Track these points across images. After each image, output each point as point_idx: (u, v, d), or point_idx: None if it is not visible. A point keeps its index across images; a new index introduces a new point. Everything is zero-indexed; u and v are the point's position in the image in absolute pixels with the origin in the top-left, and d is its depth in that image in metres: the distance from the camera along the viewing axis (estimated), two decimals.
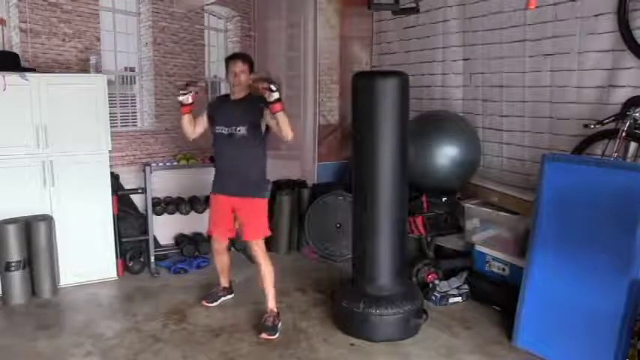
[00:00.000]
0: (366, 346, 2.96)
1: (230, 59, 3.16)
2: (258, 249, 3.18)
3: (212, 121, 3.20)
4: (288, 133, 2.91)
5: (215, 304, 3.49)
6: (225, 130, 3.10)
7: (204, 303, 3.49)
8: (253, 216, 3.18)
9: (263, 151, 3.18)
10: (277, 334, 3.07)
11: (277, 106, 2.82)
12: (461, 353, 2.89)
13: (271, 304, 3.18)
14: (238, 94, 3.13)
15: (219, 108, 3.22)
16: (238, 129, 3.06)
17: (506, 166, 3.94)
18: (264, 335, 3.04)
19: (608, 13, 3.16)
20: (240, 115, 3.08)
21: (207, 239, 4.15)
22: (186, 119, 3.15)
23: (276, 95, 2.79)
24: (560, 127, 3.52)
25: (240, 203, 3.15)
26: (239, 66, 3.08)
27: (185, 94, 3.04)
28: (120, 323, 3.26)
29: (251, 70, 3.13)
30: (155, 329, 3.17)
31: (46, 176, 3.68)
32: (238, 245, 4.38)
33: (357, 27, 5.12)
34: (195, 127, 3.21)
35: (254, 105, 3.06)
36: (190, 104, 3.10)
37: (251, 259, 3.79)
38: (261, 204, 3.19)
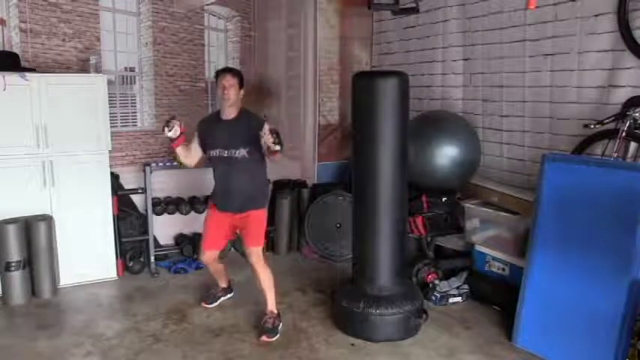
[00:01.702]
0: (366, 346, 2.96)
1: (219, 73, 3.05)
2: (258, 258, 3.12)
3: (205, 144, 3.10)
4: (277, 160, 2.96)
5: (214, 304, 3.50)
6: (224, 153, 3.01)
7: (204, 304, 3.49)
8: (255, 225, 3.14)
9: (264, 166, 3.15)
10: (277, 336, 3.07)
11: (277, 154, 2.84)
12: (461, 353, 2.89)
13: (271, 305, 3.17)
14: (229, 112, 3.03)
15: (211, 130, 3.11)
16: (238, 151, 2.98)
17: (507, 166, 3.94)
18: (264, 338, 3.03)
19: (608, 13, 3.17)
20: (239, 136, 2.98)
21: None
22: (180, 151, 3.07)
23: (278, 148, 2.77)
24: (560, 127, 3.52)
25: (244, 217, 3.12)
26: (228, 79, 2.98)
27: (171, 129, 2.92)
28: (120, 323, 3.26)
29: (241, 85, 3.03)
30: (155, 329, 3.17)
31: (46, 176, 3.68)
32: (238, 246, 4.38)
33: (357, 27, 5.12)
34: (192, 157, 3.14)
35: (252, 125, 2.95)
36: (179, 136, 2.98)
37: None
38: (263, 214, 3.19)
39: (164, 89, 5.29)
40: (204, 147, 3.12)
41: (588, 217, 2.69)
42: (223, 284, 3.58)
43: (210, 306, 3.47)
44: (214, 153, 3.06)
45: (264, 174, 3.19)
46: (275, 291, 3.21)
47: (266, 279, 3.14)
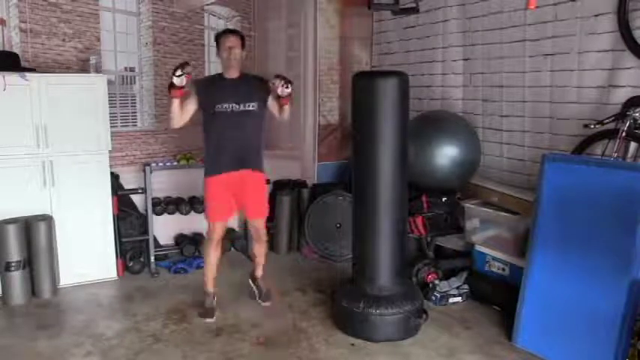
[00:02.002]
0: (366, 346, 2.96)
1: (222, 35, 3.12)
2: (263, 228, 3.38)
3: (208, 100, 3.06)
4: (287, 117, 3.13)
5: (215, 315, 3.29)
6: (235, 107, 3.04)
7: (208, 320, 3.23)
8: (261, 191, 3.29)
9: (264, 127, 3.24)
10: None
11: (287, 100, 3.02)
12: (461, 353, 2.89)
13: (261, 271, 3.54)
14: (234, 71, 3.10)
15: (215, 87, 3.12)
16: (250, 105, 3.06)
17: (507, 166, 3.94)
18: (268, 304, 3.41)
19: (608, 13, 3.16)
20: (249, 92, 3.09)
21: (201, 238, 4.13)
22: (177, 103, 2.94)
23: (288, 91, 2.97)
24: (560, 127, 3.52)
25: (249, 176, 3.16)
26: (232, 40, 3.06)
27: (181, 75, 2.82)
28: (120, 323, 3.26)
29: (243, 45, 3.12)
30: (155, 329, 3.17)
31: (46, 176, 3.68)
32: (238, 245, 4.38)
33: (357, 27, 5.11)
34: (184, 114, 3.03)
35: (258, 83, 3.14)
36: (183, 87, 2.92)
37: (251, 259, 3.79)
38: (264, 179, 3.32)
39: (164, 89, 5.29)
40: (206, 104, 3.06)
41: (588, 217, 2.69)
42: (211, 286, 3.34)
43: (214, 319, 3.25)
44: (224, 107, 3.04)
45: (263, 136, 3.25)
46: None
47: (264, 249, 3.49)
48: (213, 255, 3.31)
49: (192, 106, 3.07)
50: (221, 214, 3.24)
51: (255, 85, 3.14)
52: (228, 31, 3.19)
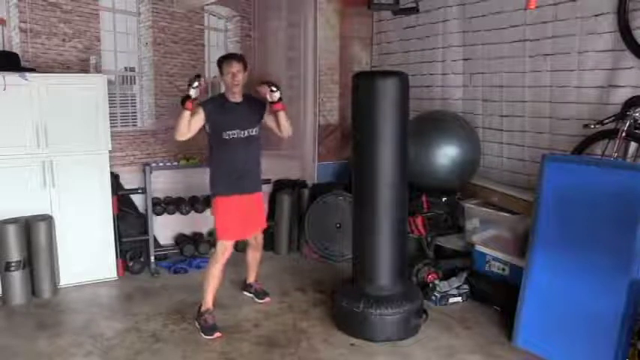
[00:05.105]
0: (366, 346, 2.96)
1: (224, 60, 3.13)
2: (262, 239, 3.53)
3: (217, 126, 3.10)
4: (288, 130, 3.21)
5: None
6: (242, 134, 3.12)
7: (218, 335, 3.08)
8: (262, 207, 3.46)
9: (262, 147, 3.35)
10: None
11: (279, 105, 3.08)
12: (461, 353, 2.89)
13: (257, 276, 3.68)
14: (238, 95, 3.14)
15: (223, 112, 3.12)
16: (253, 130, 3.16)
17: (507, 166, 3.95)
18: (268, 299, 3.56)
19: (608, 13, 3.17)
20: (250, 116, 3.17)
21: (213, 244, 4.11)
22: (188, 116, 2.96)
23: (277, 95, 3.04)
24: (560, 127, 3.52)
25: (255, 198, 3.31)
26: (235, 66, 3.08)
27: (197, 87, 2.93)
28: (120, 323, 3.26)
29: (245, 69, 3.13)
30: (155, 329, 3.17)
31: (46, 176, 3.68)
32: (238, 245, 4.37)
33: (357, 27, 5.12)
34: (192, 128, 3.03)
35: (256, 105, 3.21)
36: (196, 99, 2.98)
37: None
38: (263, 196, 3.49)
39: (164, 89, 5.29)
40: (216, 128, 3.11)
41: (588, 217, 2.69)
42: (211, 305, 3.22)
43: (220, 333, 3.11)
44: (232, 134, 3.11)
45: (261, 156, 3.37)
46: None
47: (260, 256, 3.60)
48: (218, 279, 3.21)
49: (198, 125, 3.07)
50: (235, 233, 3.23)
51: (254, 108, 3.20)
52: (230, 57, 3.19)
